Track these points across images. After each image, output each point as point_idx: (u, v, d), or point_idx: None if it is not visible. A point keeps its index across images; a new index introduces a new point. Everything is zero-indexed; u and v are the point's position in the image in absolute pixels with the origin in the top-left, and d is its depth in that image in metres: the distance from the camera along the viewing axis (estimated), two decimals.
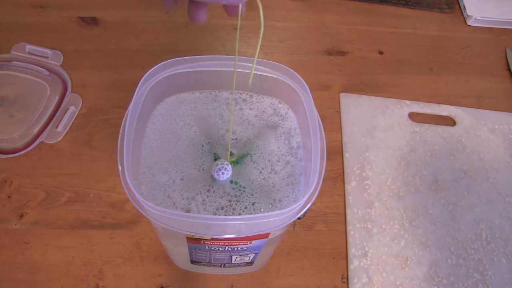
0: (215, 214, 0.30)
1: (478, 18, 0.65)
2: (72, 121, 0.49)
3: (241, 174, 0.32)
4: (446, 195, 0.48)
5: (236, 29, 0.60)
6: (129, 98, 0.30)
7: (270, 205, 0.31)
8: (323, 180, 0.28)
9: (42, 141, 0.47)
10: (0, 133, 0.47)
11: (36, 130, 0.47)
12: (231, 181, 0.32)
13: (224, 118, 0.35)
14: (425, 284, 0.42)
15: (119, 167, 0.27)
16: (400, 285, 0.42)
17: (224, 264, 0.37)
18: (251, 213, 0.30)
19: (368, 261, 0.43)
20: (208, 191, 0.31)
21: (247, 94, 0.35)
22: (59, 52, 0.54)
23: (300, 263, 0.43)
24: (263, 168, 0.32)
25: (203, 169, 0.32)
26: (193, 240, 0.30)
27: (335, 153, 0.50)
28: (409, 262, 0.43)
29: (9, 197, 0.44)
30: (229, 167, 0.31)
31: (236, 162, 0.33)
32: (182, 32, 0.59)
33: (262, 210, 0.31)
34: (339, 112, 0.54)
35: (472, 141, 0.53)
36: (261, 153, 0.33)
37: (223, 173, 0.31)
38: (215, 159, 0.33)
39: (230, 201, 0.31)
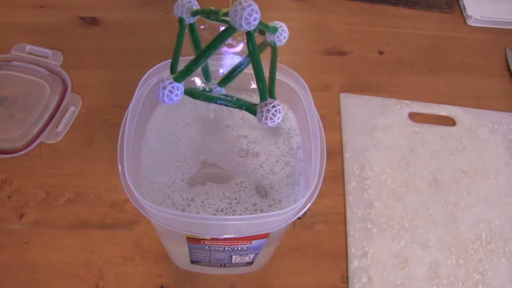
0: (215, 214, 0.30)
1: (478, 18, 0.65)
2: (72, 121, 0.49)
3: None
4: (446, 195, 0.48)
5: None
6: (129, 98, 0.30)
7: (270, 206, 0.31)
8: (323, 180, 0.28)
9: (42, 141, 0.47)
10: (0, 133, 0.47)
11: (36, 130, 0.47)
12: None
13: (225, 119, 0.35)
14: (425, 284, 0.42)
15: (119, 167, 0.27)
16: (400, 285, 0.42)
17: (224, 264, 0.37)
18: (251, 214, 0.30)
19: (368, 261, 0.43)
20: (207, 193, 0.31)
21: (247, 94, 0.35)
22: (59, 52, 0.54)
23: (300, 263, 0.43)
24: (262, 168, 0.32)
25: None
26: (193, 240, 0.30)
27: (335, 153, 0.50)
28: (409, 262, 0.43)
29: (9, 197, 0.44)
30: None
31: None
32: None
33: (262, 210, 0.31)
34: (339, 112, 0.54)
35: (472, 141, 0.53)
36: (261, 153, 0.33)
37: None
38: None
39: (230, 203, 0.31)
